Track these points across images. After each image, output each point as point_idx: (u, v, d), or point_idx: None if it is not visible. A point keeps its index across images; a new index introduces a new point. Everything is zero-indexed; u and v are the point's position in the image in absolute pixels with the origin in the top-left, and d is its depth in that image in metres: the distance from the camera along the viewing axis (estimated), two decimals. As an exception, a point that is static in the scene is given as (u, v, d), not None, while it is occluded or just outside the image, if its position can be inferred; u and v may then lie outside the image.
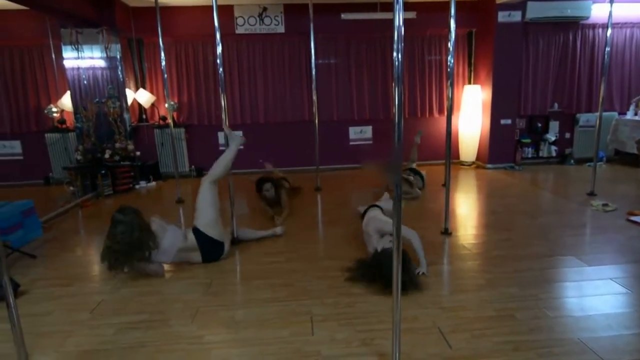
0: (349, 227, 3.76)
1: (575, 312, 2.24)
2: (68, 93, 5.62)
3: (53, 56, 5.68)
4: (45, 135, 5.83)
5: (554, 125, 6.45)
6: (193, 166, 6.33)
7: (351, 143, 6.55)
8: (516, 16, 5.81)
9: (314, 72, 5.02)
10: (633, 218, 3.66)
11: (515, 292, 2.47)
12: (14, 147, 6.05)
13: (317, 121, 5.12)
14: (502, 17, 5.81)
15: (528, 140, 6.37)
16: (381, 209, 3.25)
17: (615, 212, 3.91)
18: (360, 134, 6.52)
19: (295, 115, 6.32)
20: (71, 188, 5.30)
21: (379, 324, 2.16)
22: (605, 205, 4.04)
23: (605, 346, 1.92)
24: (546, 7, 5.72)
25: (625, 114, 6.17)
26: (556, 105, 6.39)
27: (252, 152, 6.41)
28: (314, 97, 5.06)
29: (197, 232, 2.97)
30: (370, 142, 6.56)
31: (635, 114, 6.01)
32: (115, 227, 2.73)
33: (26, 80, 5.86)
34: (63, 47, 5.43)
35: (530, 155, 6.46)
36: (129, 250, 2.69)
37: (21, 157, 6.09)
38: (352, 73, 6.27)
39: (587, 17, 5.88)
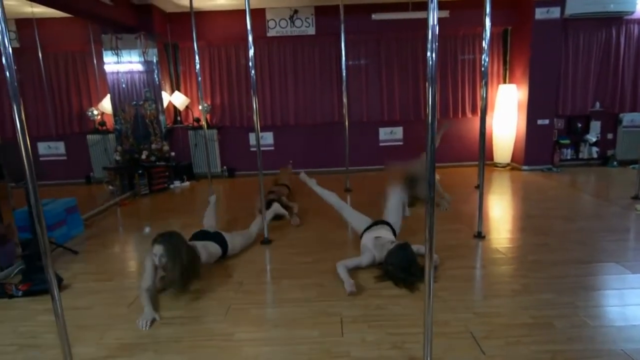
0: (379, 228, 3.74)
1: (618, 321, 2.14)
2: (108, 96, 5.86)
3: (95, 61, 5.95)
4: (87, 136, 6.11)
5: (595, 126, 6.17)
6: (225, 167, 6.46)
7: (381, 144, 6.50)
8: (555, 12, 5.60)
9: (344, 73, 5.01)
10: (683, 224, 3.45)
11: (552, 298, 2.38)
12: (59, 148, 6.37)
13: (347, 122, 5.11)
14: (540, 13, 5.61)
15: (567, 141, 6.12)
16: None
17: (662, 217, 3.71)
18: (390, 135, 6.46)
19: (325, 116, 6.34)
20: (110, 187, 5.53)
21: (410, 327, 2.14)
22: (651, 209, 3.83)
23: (652, 358, 1.82)
24: (587, 3, 5.49)
25: (674, 113, 5.83)
26: (598, 104, 6.12)
27: (282, 154, 6.49)
28: (344, 99, 5.06)
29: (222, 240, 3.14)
30: (401, 143, 6.49)
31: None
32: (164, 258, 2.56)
33: (70, 84, 6.16)
34: (104, 52, 5.67)
35: (569, 157, 6.21)
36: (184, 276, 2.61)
37: (65, 157, 6.40)
38: (383, 74, 6.22)
39: (632, 12, 5.59)
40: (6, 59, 1.64)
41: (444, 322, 2.16)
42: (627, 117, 6.04)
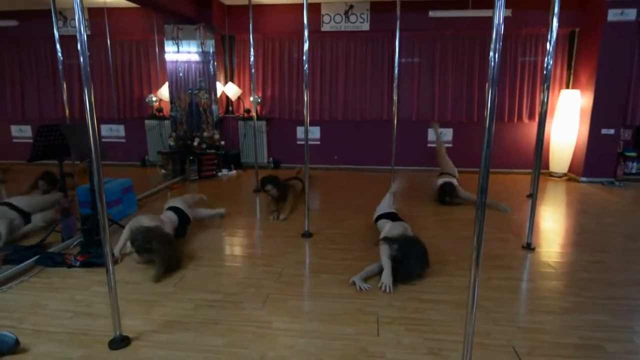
0: (424, 230, 3.67)
1: (680, 352, 1.97)
2: (166, 84, 6.13)
3: (156, 50, 6.24)
4: (145, 121, 6.44)
5: (668, 139, 5.69)
6: (271, 158, 6.58)
7: (429, 145, 6.35)
8: (630, 14, 5.19)
9: (396, 71, 4.93)
10: None
11: (605, 320, 2.24)
12: (119, 131, 6.76)
13: (395, 121, 5.03)
14: (613, 15, 5.22)
15: (633, 154, 5.68)
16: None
17: None
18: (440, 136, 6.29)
19: (374, 113, 6.28)
20: (163, 171, 5.80)
21: (448, 334, 2.09)
22: None
23: None
24: (668, 5, 5.05)
25: None
26: (672, 116, 5.62)
27: (328, 149, 6.52)
28: (395, 96, 4.98)
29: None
30: (450, 145, 6.30)
31: None
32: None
33: (133, 71, 6.50)
34: (165, 42, 5.94)
35: (634, 171, 5.77)
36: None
37: (124, 140, 6.79)
38: (436, 73, 6.06)
39: None
40: (81, 46, 1.76)
41: (485, 333, 2.09)
42: None
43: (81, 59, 1.77)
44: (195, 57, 6.01)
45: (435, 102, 6.14)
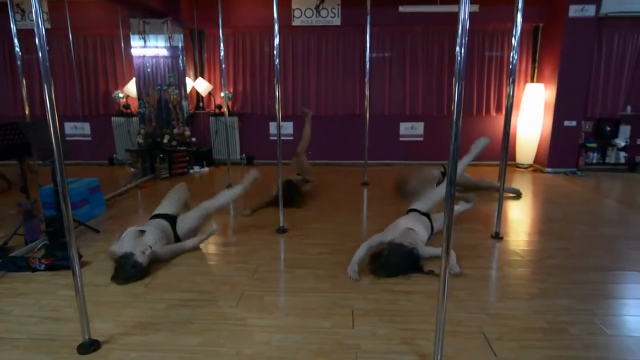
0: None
1: (636, 332, 2.08)
2: (133, 80, 5.96)
3: (122, 44, 6.04)
4: (112, 118, 6.24)
5: (625, 130, 5.97)
6: (244, 154, 6.51)
7: (401, 139, 6.44)
8: (589, 10, 5.41)
9: (367, 66, 4.96)
10: None
11: (570, 304, 2.34)
12: (84, 129, 6.53)
13: (367, 115, 5.07)
14: (574, 11, 5.43)
15: (594, 145, 5.95)
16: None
17: (691, 227, 3.57)
18: (411, 130, 6.40)
19: (347, 108, 6.31)
20: (132, 169, 5.65)
21: (421, 324, 2.13)
22: (679, 219, 3.70)
23: (671, 372, 1.77)
24: (624, 2, 5.29)
25: None
26: (629, 108, 5.91)
27: (302, 144, 6.50)
28: (367, 91, 5.01)
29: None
30: (421, 139, 6.41)
31: None
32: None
33: (98, 66, 6.29)
34: (131, 36, 5.76)
35: (595, 161, 6.04)
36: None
37: (89, 138, 6.56)
38: (407, 67, 6.14)
39: (673, 13, 5.36)
40: (39, 40, 1.68)
41: (457, 321, 2.15)
42: (660, 123, 5.82)
43: (40, 54, 1.69)
44: (164, 52, 5.86)
45: (406, 97, 6.22)
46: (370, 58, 5.05)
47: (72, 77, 6.23)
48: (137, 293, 2.49)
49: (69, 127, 6.50)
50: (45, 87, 1.71)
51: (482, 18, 5.78)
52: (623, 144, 5.94)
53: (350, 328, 2.11)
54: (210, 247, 3.27)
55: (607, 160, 6.05)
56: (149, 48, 5.81)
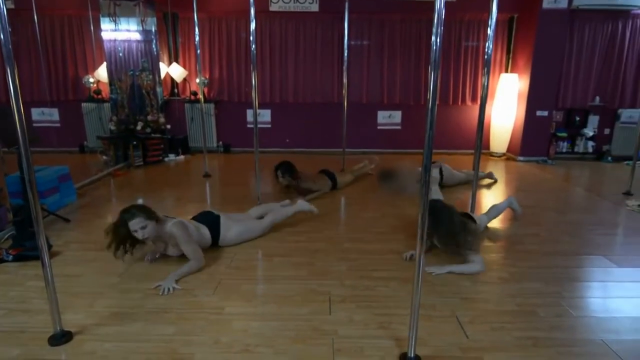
0: (373, 210, 3.77)
1: (600, 312, 2.19)
2: (104, 64, 5.75)
3: (92, 27, 5.81)
4: (82, 104, 6.03)
5: (593, 120, 6.18)
6: (221, 142, 6.42)
7: (379, 127, 6.48)
8: (562, 3, 5.53)
9: (345, 53, 4.94)
10: (671, 221, 3.50)
11: (539, 288, 2.43)
12: (53, 115, 6.28)
13: (346, 103, 5.06)
14: (548, 3, 5.53)
15: (564, 134, 6.14)
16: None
17: (652, 213, 3.75)
18: (389, 118, 6.44)
19: (325, 96, 6.28)
20: (104, 157, 5.49)
21: (397, 308, 2.17)
22: (641, 206, 3.88)
23: (629, 350, 1.87)
24: (596, -6, 5.42)
25: (672, 111, 5.84)
26: (597, 99, 6.11)
27: (280, 132, 6.46)
28: (344, 79, 5.00)
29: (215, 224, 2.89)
30: (399, 127, 6.47)
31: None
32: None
33: (66, 49, 6.03)
34: (101, 19, 5.54)
35: (564, 150, 6.24)
36: None
37: (58, 125, 6.32)
38: (385, 56, 6.15)
39: (640, 7, 5.54)
40: (0, 20, 1.59)
41: (431, 306, 2.20)
42: (626, 113, 6.05)
43: (1, 35, 1.61)
44: (136, 36, 5.67)
45: (384, 85, 6.24)
46: (349, 46, 5.02)
47: (38, 60, 5.96)
48: (111, 283, 2.44)
49: (36, 112, 6.24)
50: (8, 70, 1.63)
51: (459, 8, 5.82)
52: (591, 133, 6.15)
53: (328, 314, 2.13)
54: (187, 236, 3.22)
55: (576, 150, 6.26)
56: (121, 32, 5.60)
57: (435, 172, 4.44)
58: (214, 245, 2.88)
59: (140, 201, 4.05)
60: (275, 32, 6.07)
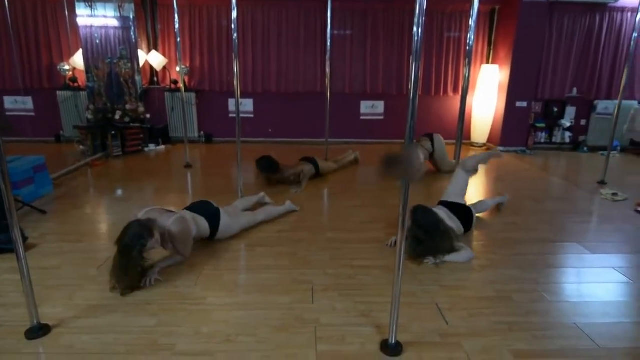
0: (356, 200, 3.79)
1: (574, 297, 2.26)
2: (80, 51, 5.58)
3: (66, 13, 5.62)
4: (57, 92, 5.85)
5: (571, 111, 6.32)
6: (202, 132, 6.33)
7: (362, 117, 6.48)
8: (542, -5, 5.60)
9: (328, 43, 4.90)
10: (642, 209, 3.62)
11: (516, 274, 2.49)
12: (26, 103, 6.08)
13: (329, 93, 5.04)
14: (528, -6, 5.59)
15: (542, 125, 6.26)
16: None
17: (624, 202, 3.87)
18: (372, 108, 6.45)
19: (307, 85, 6.24)
20: (81, 147, 5.35)
21: (379, 296, 2.20)
22: (614, 194, 4.00)
23: (601, 333, 1.94)
24: (574, -13, 5.50)
25: (645, 103, 6.02)
26: (575, 90, 6.24)
27: (262, 122, 6.40)
28: (327, 69, 4.97)
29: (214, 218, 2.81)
30: (382, 117, 6.48)
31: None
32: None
33: (39, 35, 5.82)
34: (76, 4, 5.36)
35: (543, 140, 6.37)
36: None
37: (33, 114, 6.13)
38: (368, 46, 6.13)
39: (616, 0, 5.64)
40: (-35, 1, 1.52)
41: (411, 293, 2.23)
42: (602, 105, 6.20)
43: (-33, 18, 1.54)
44: (113, 23, 5.52)
45: (367, 75, 6.24)
46: (332, 35, 4.99)
47: (10, 46, 5.74)
48: (89, 275, 2.40)
49: (8, 101, 6.03)
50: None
51: (442, -2, 5.84)
52: (568, 124, 6.29)
53: (310, 303, 2.15)
54: (168, 227, 3.19)
55: (553, 140, 6.39)
56: (97, 18, 5.43)
57: (428, 145, 4.63)
58: (210, 238, 2.82)
59: (119, 192, 3.98)
60: (257, 20, 5.98)
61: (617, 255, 2.79)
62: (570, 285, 2.41)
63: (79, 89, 5.85)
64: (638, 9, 4.03)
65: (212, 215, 2.78)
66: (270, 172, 4.08)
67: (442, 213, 2.84)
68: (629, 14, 5.86)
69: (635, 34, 4.08)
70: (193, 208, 2.80)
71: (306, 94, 6.27)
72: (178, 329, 1.92)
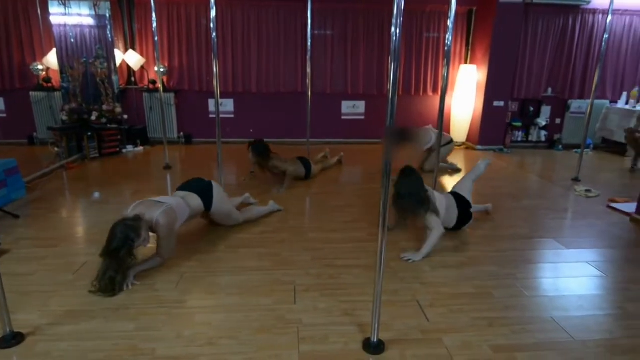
0: (339, 200, 3.80)
1: (550, 292, 2.32)
2: (54, 50, 5.43)
3: (39, 11, 5.46)
4: (30, 93, 5.67)
5: (546, 110, 6.48)
6: (182, 132, 6.24)
7: (343, 117, 6.50)
8: (517, -4, 5.72)
9: (309, 43, 4.90)
10: (614, 205, 3.74)
11: (495, 270, 2.54)
12: (-3, 104, 5.87)
13: (309, 93, 5.04)
14: (504, -4, 5.71)
15: (519, 124, 6.39)
16: None
17: (597, 198, 4.00)
18: (352, 108, 6.47)
19: (288, 85, 6.22)
20: (56, 149, 5.20)
21: (361, 295, 2.21)
22: (588, 191, 4.12)
23: (577, 325, 2.00)
24: (548, -11, 5.64)
25: (616, 102, 6.21)
26: (550, 90, 6.40)
27: (243, 122, 6.36)
28: (308, 69, 4.96)
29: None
30: (362, 117, 6.52)
31: (627, 104, 6.06)
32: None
33: (10, 34, 5.63)
34: (49, 2, 5.21)
35: (520, 139, 6.51)
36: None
37: (4, 115, 5.93)
38: (348, 46, 6.15)
39: (588, 2, 5.81)
40: None
41: (393, 291, 2.26)
42: (575, 104, 6.38)
43: None
44: (89, 21, 5.38)
45: (348, 76, 6.26)
46: (312, 35, 4.98)
47: (-21, 45, 5.54)
48: (66, 281, 2.34)
49: (-22, 102, 5.82)
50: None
51: (420, -1, 5.91)
52: (544, 123, 6.44)
53: (292, 304, 2.14)
54: (147, 230, 3.13)
55: (530, 138, 6.54)
56: (72, 16, 5.29)
57: (433, 136, 4.69)
58: (207, 211, 2.84)
59: (96, 195, 3.89)
60: (237, 19, 5.92)
61: (591, 250, 2.87)
62: (546, 280, 2.47)
63: (53, 89, 5.68)
64: (608, 10, 4.17)
65: (205, 191, 2.82)
66: (263, 156, 4.03)
67: (443, 198, 2.89)
68: (600, 16, 6.04)
69: (606, 35, 4.21)
70: (185, 187, 2.84)
71: (287, 94, 6.25)
72: (158, 333, 1.89)
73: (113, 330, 1.90)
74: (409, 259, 2.62)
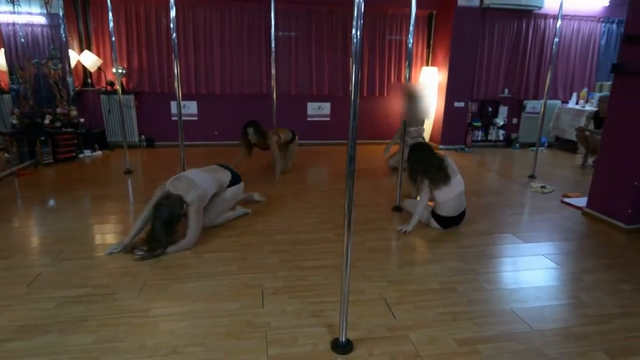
0: (304, 202, 3.79)
1: (510, 285, 2.41)
2: (2, 51, 5.12)
3: (-17, 8, 5.13)
4: (-24, 96, 5.32)
5: (503, 110, 6.74)
6: (143, 136, 6.05)
7: (309, 119, 6.51)
8: (475, 1, 5.93)
9: (273, 44, 4.87)
10: (567, 200, 3.95)
11: (458, 266, 2.62)
12: (-61, 108, 5.47)
13: (275, 95, 5.01)
14: (462, 0, 5.90)
15: (479, 124, 6.62)
16: None
17: (552, 194, 4.20)
18: (318, 110, 6.49)
19: (253, 87, 6.16)
20: (6, 155, 4.91)
21: (329, 296, 2.22)
22: (543, 187, 4.33)
23: (534, 316, 2.09)
24: (503, -6, 5.89)
25: (567, 103, 6.56)
26: (506, 91, 6.67)
27: (207, 125, 6.24)
28: (273, 70, 4.93)
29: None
30: (328, 119, 6.55)
31: (577, 104, 6.41)
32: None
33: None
34: (-5, -1, 4.92)
35: (479, 138, 6.74)
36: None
37: (-53, 119, 5.53)
38: (313, 48, 6.17)
39: (540, 8, 6.10)
40: None
41: (360, 291, 2.28)
42: (530, 104, 6.68)
43: None
44: (40, 20, 5.12)
45: (312, 77, 6.27)
46: (276, 36, 4.96)
47: None
48: (18, 294, 2.20)
49: None
50: None
51: (383, 1, 6.00)
52: (502, 122, 6.71)
53: (260, 307, 2.12)
54: (108, 237, 3.01)
55: (489, 138, 6.79)
56: (21, 15, 5.01)
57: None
58: (231, 185, 3.16)
59: (51, 202, 3.70)
60: (199, 19, 5.81)
61: (546, 243, 3.02)
62: (506, 273, 2.57)
63: (2, 91, 5.36)
64: (558, 16, 4.40)
65: (237, 176, 3.26)
66: (259, 133, 4.37)
67: (460, 180, 3.18)
68: (551, 21, 6.36)
69: (556, 39, 4.44)
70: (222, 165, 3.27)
71: (252, 95, 6.19)
72: (120, 344, 1.82)
73: (71, 344, 1.81)
74: (404, 230, 3.06)
